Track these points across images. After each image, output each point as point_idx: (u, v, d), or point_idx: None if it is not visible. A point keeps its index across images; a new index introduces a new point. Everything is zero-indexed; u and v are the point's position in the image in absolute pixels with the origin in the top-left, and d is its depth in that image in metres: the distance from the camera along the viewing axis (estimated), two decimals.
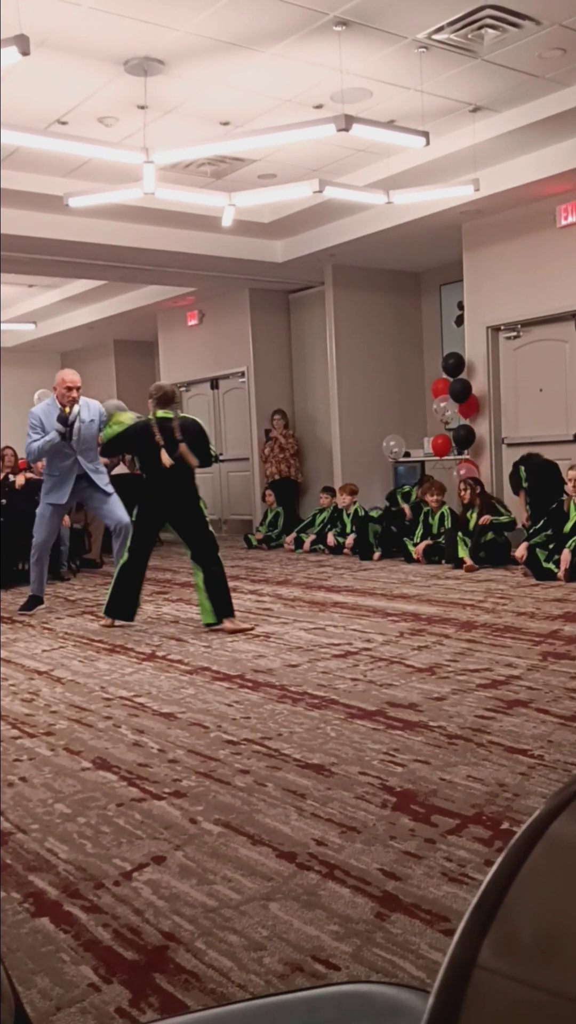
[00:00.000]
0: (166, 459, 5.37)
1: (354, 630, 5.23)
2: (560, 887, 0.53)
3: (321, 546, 9.48)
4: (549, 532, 7.16)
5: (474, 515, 7.90)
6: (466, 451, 9.18)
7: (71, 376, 6.24)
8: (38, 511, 6.39)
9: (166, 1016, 1.60)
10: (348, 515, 9.42)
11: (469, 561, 7.59)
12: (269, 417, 11.45)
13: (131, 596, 5.58)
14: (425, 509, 8.54)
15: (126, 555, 5.54)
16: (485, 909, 0.51)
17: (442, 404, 9.22)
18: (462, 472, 8.93)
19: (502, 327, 8.97)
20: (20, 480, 8.32)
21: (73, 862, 2.27)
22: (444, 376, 9.34)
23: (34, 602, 6.46)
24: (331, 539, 9.34)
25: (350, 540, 9.10)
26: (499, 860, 0.54)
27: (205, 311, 12.30)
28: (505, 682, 3.87)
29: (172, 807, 2.60)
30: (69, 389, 6.14)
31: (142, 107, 6.38)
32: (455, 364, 9.09)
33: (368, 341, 10.73)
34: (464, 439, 9.07)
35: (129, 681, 4.24)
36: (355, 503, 9.42)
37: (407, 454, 10.50)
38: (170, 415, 5.58)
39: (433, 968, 1.71)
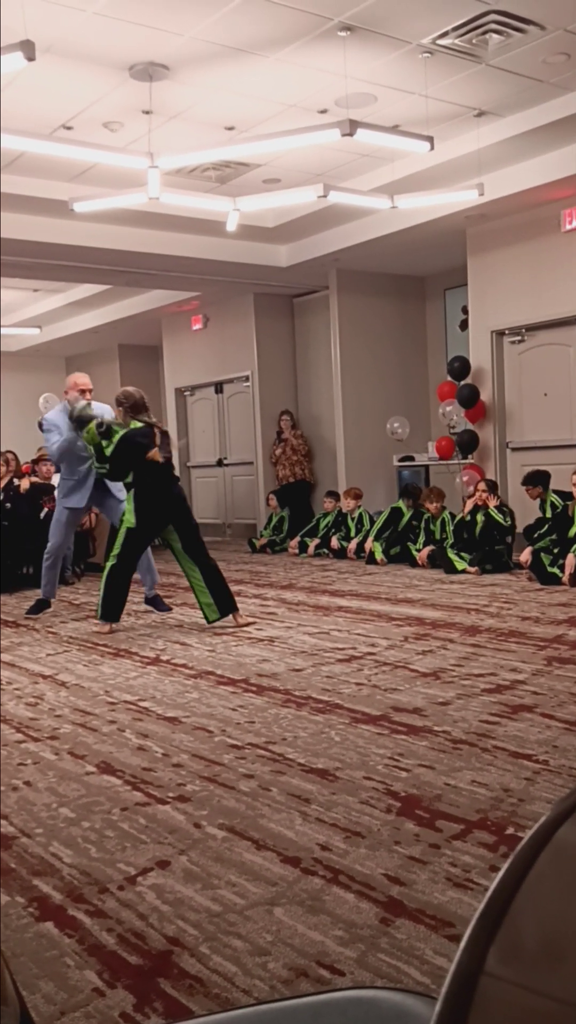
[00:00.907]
0: (156, 455, 5.43)
1: (358, 634, 5.22)
2: (566, 894, 0.53)
3: (325, 550, 9.47)
4: (554, 536, 7.15)
5: (482, 517, 7.89)
6: (470, 455, 9.17)
7: (83, 379, 6.25)
8: (55, 515, 6.39)
9: (170, 1021, 1.60)
10: (352, 519, 9.41)
11: (468, 565, 7.63)
12: (276, 419, 11.46)
13: (122, 598, 5.65)
14: (426, 516, 8.54)
15: (115, 559, 5.56)
16: (491, 916, 0.51)
17: (448, 408, 9.22)
18: (465, 479, 8.92)
19: (507, 331, 8.97)
20: (24, 484, 8.33)
21: (77, 866, 2.26)
22: (449, 380, 9.34)
23: (41, 605, 6.46)
24: (335, 543, 9.33)
25: (353, 544, 9.09)
26: (505, 867, 0.54)
27: (209, 315, 12.32)
28: (510, 687, 3.86)
29: (176, 811, 2.60)
30: (82, 392, 6.15)
31: (147, 112, 6.40)
32: (460, 368, 9.09)
33: (372, 345, 10.73)
34: (468, 443, 9.07)
35: (133, 685, 4.24)
36: (359, 507, 9.42)
37: (411, 458, 10.49)
38: (141, 424, 5.61)
39: (438, 974, 1.71)
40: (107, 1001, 1.67)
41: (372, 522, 9.16)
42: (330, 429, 10.96)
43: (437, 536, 8.36)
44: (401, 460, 10.63)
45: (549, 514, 7.45)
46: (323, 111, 6.59)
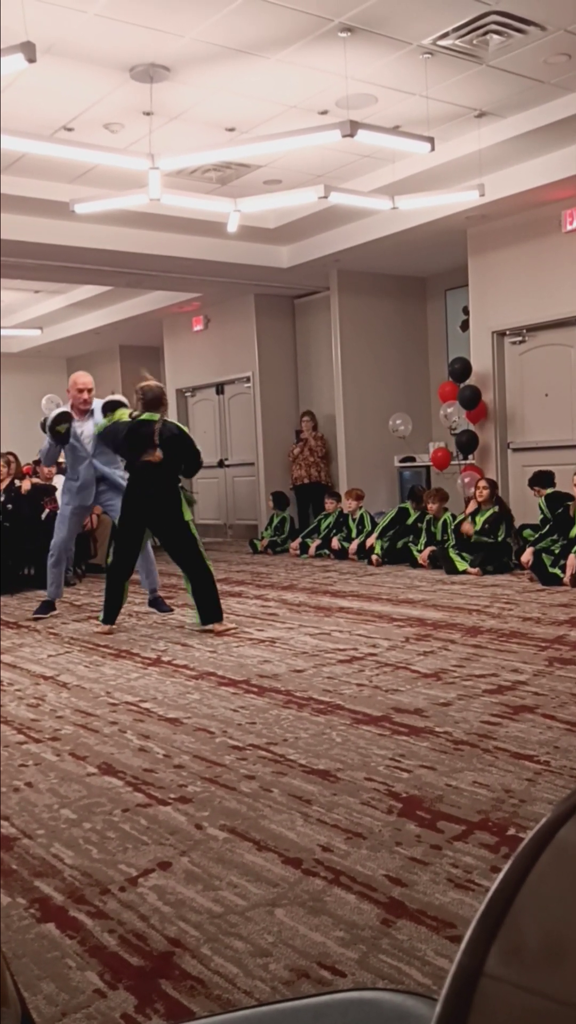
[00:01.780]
0: (158, 455, 5.34)
1: (359, 635, 5.22)
2: (567, 895, 0.53)
3: (326, 551, 9.47)
4: (555, 537, 7.15)
5: (481, 519, 7.89)
6: (471, 456, 9.17)
7: (83, 379, 6.23)
8: (59, 511, 6.39)
9: (172, 1023, 1.60)
10: (354, 520, 9.41)
11: (469, 566, 7.65)
12: (278, 420, 11.45)
13: (117, 600, 5.65)
14: (428, 517, 8.55)
15: (111, 559, 5.57)
16: (492, 917, 0.50)
17: (449, 410, 9.22)
18: (466, 479, 8.93)
19: (507, 332, 8.97)
20: (26, 485, 8.33)
21: (79, 868, 2.26)
22: (450, 380, 9.34)
23: (48, 607, 6.44)
24: (336, 543, 9.33)
25: (354, 545, 9.10)
26: (506, 868, 0.54)
27: (211, 316, 12.32)
28: (511, 687, 3.86)
29: (178, 812, 2.60)
30: (80, 391, 6.14)
31: (148, 113, 6.41)
32: (461, 369, 9.09)
33: (373, 346, 10.73)
34: (468, 444, 9.07)
35: (135, 686, 4.24)
36: (361, 508, 9.42)
37: (412, 459, 10.49)
38: (155, 418, 5.42)
39: (439, 975, 1.71)
40: (108, 1002, 1.67)
41: (374, 523, 9.16)
42: (331, 430, 10.96)
43: (439, 537, 8.36)
44: (402, 461, 10.63)
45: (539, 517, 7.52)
46: (324, 112, 6.59)
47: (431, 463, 9.68)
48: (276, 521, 10.66)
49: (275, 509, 10.62)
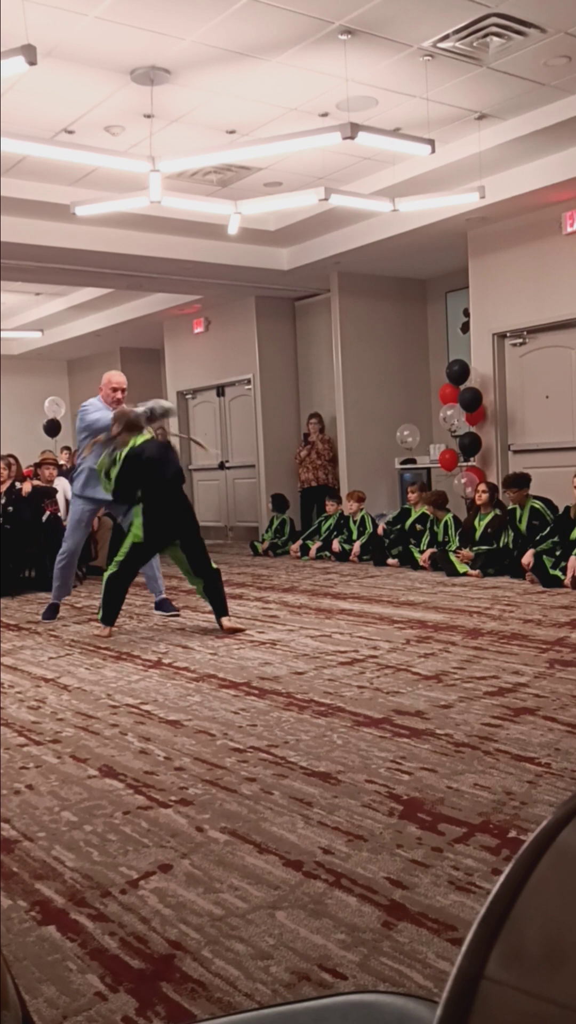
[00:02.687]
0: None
1: (360, 637, 5.22)
2: (569, 897, 0.53)
3: (327, 553, 9.47)
4: (555, 539, 7.14)
5: (483, 522, 7.89)
6: (472, 458, 9.17)
7: (118, 378, 6.21)
8: (73, 514, 6.30)
9: None
10: (355, 522, 9.41)
11: (469, 568, 7.65)
12: (281, 421, 11.45)
13: (119, 603, 5.68)
14: (430, 518, 8.55)
15: (116, 567, 5.55)
16: (493, 920, 0.50)
17: (449, 412, 9.22)
18: (464, 480, 8.93)
19: (508, 334, 8.97)
20: (27, 487, 8.34)
21: (80, 870, 2.26)
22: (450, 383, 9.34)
23: (55, 610, 6.42)
24: (336, 546, 9.33)
25: (356, 547, 9.10)
26: (507, 871, 0.54)
27: (211, 319, 12.33)
28: (512, 690, 3.86)
29: (178, 815, 2.60)
30: (114, 390, 6.13)
31: (148, 116, 6.41)
32: (459, 371, 9.09)
33: (374, 348, 10.74)
34: (470, 447, 9.07)
35: (135, 688, 4.24)
36: (362, 510, 9.42)
37: (413, 460, 10.49)
38: (149, 436, 5.62)
39: (440, 977, 1.71)
40: (109, 1005, 1.67)
41: (375, 525, 9.16)
42: (332, 432, 10.96)
43: (440, 539, 8.36)
44: (403, 463, 10.63)
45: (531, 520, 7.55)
46: (324, 114, 6.60)
47: (439, 464, 9.66)
48: (276, 523, 10.65)
49: (274, 511, 10.61)
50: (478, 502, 7.94)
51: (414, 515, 8.77)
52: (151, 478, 5.48)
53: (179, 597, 7.12)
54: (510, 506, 7.76)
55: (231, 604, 6.46)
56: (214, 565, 5.62)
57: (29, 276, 9.95)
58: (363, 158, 7.53)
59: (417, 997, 0.73)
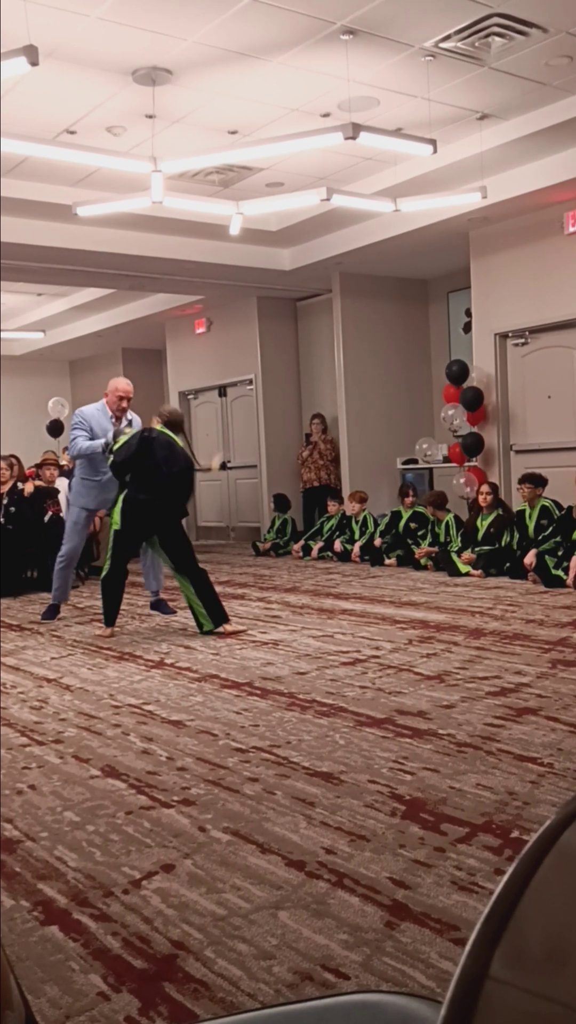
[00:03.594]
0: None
1: (363, 637, 5.22)
2: (571, 898, 0.53)
3: (329, 553, 9.47)
4: (558, 539, 7.14)
5: (485, 523, 7.89)
6: (474, 458, 9.17)
7: (124, 386, 6.21)
8: (70, 518, 6.35)
9: None
10: (357, 522, 9.41)
11: (469, 567, 7.65)
12: (282, 421, 11.44)
13: (116, 602, 5.69)
14: (431, 520, 8.54)
15: (108, 566, 5.57)
16: (496, 920, 0.50)
17: (450, 412, 9.21)
18: (463, 480, 8.92)
19: (510, 334, 8.97)
20: (28, 488, 8.34)
21: (82, 870, 2.26)
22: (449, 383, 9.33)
23: (55, 610, 6.43)
24: (338, 546, 9.33)
25: (356, 548, 9.10)
26: (509, 871, 0.54)
27: (213, 319, 12.33)
28: (514, 690, 3.86)
29: (181, 815, 2.60)
30: (121, 398, 6.14)
31: (150, 116, 6.42)
32: (459, 371, 9.09)
33: (376, 348, 10.74)
34: (471, 447, 9.06)
35: (138, 689, 4.24)
36: (364, 510, 9.42)
37: (413, 461, 10.49)
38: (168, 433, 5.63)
39: (443, 977, 1.71)
40: (112, 1005, 1.67)
41: (376, 525, 9.16)
42: (333, 432, 10.96)
43: (442, 539, 8.36)
44: (405, 463, 10.63)
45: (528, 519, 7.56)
46: (326, 115, 6.60)
47: (450, 457, 9.64)
48: (278, 523, 10.66)
49: (276, 511, 10.61)
50: (482, 504, 7.93)
51: (405, 516, 8.78)
52: (147, 466, 5.47)
53: (179, 598, 7.12)
54: (521, 505, 7.76)
55: (233, 605, 6.47)
56: (200, 567, 5.56)
57: (31, 277, 9.95)
58: (365, 158, 7.53)
59: (420, 997, 0.73)
